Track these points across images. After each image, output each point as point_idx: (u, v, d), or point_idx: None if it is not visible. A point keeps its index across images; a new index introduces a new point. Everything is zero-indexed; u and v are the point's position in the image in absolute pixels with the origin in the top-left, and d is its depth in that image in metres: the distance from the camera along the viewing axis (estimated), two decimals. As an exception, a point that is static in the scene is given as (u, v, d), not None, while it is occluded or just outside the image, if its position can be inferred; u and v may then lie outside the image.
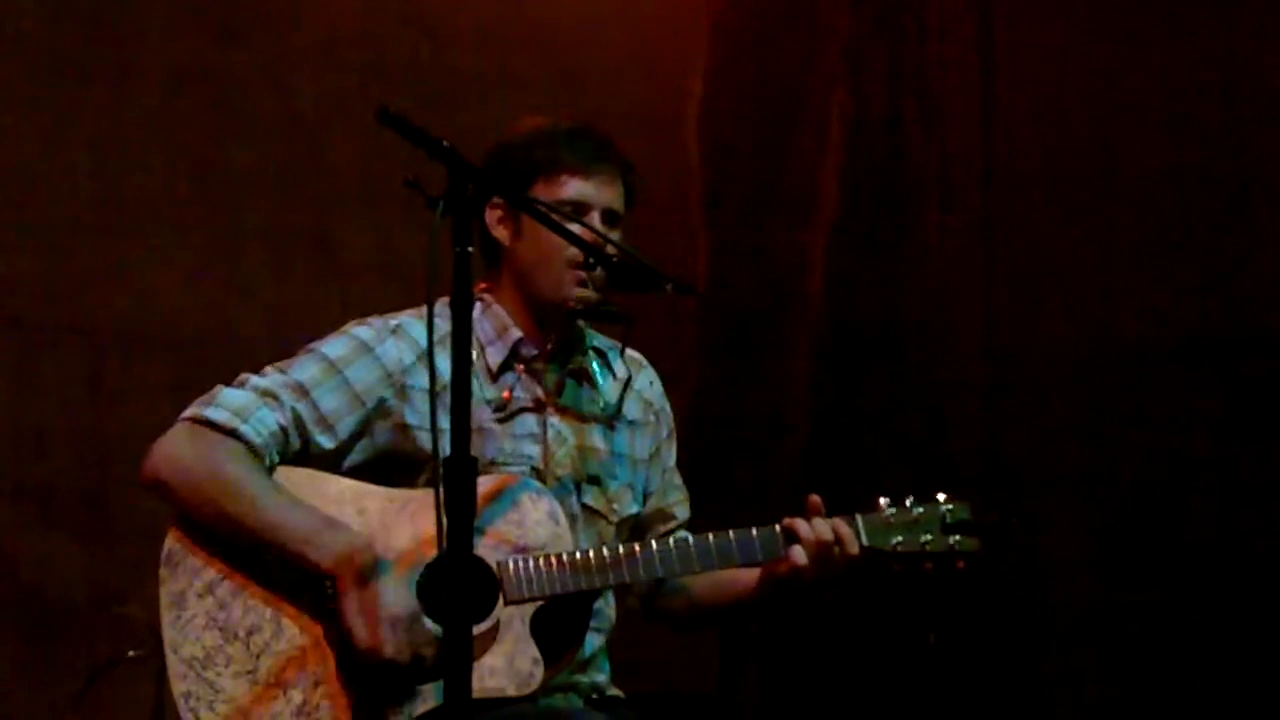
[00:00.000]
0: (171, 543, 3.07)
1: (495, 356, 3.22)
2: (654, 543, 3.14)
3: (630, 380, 3.35)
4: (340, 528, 3.03)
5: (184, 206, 5.03)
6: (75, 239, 4.92)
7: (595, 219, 3.19)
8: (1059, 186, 5.04)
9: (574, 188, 3.20)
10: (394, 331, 3.17)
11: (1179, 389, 4.82)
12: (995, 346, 5.15)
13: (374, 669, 2.97)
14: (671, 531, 3.38)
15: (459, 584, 2.54)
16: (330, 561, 2.98)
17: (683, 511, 3.45)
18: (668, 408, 3.45)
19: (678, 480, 3.46)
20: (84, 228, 4.93)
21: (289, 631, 3.03)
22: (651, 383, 3.43)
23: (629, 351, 3.38)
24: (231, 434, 3.05)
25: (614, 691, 3.27)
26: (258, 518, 3.02)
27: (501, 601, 3.02)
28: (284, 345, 3.23)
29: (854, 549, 3.14)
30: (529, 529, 3.07)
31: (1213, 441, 4.78)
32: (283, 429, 3.09)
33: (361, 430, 3.14)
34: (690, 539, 3.17)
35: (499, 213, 3.24)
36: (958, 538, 3.19)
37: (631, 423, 3.35)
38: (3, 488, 4.85)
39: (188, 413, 3.10)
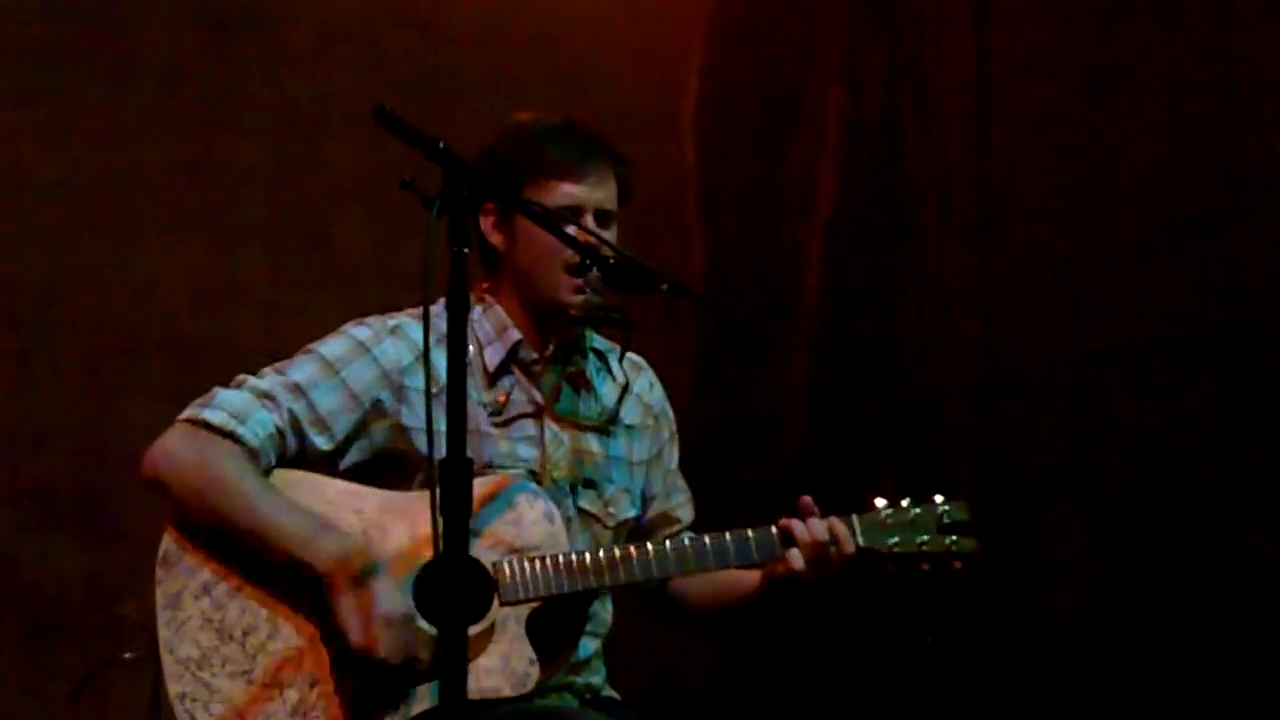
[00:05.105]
0: (168, 543, 3.07)
1: (493, 357, 3.21)
2: (649, 545, 3.14)
3: (628, 384, 3.35)
4: (335, 530, 3.02)
5: (182, 205, 5.03)
6: (73, 238, 4.93)
7: (588, 221, 3.17)
8: (1056, 185, 5.03)
9: (564, 192, 3.18)
10: (392, 332, 3.17)
11: (1177, 388, 4.81)
12: (992, 345, 5.14)
13: (369, 669, 2.97)
14: (675, 535, 3.38)
15: (455, 585, 2.54)
16: (325, 564, 2.97)
17: (687, 514, 3.45)
18: (669, 410, 3.45)
19: (681, 483, 3.46)
20: (82, 227, 4.94)
21: (285, 632, 3.03)
22: (651, 385, 3.42)
23: (629, 354, 3.36)
24: (229, 436, 3.05)
25: (609, 692, 3.28)
26: (254, 519, 3.01)
27: (497, 602, 3.02)
28: (282, 345, 3.23)
29: (850, 549, 3.14)
30: (525, 530, 3.07)
31: (1212, 441, 4.77)
32: (279, 431, 3.09)
33: (358, 431, 3.13)
34: (686, 540, 3.17)
35: (492, 218, 3.23)
36: (954, 538, 3.19)
37: (629, 427, 3.34)
38: (1, 487, 4.85)
39: (185, 414, 3.10)
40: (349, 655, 2.97)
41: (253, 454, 3.06)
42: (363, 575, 2.97)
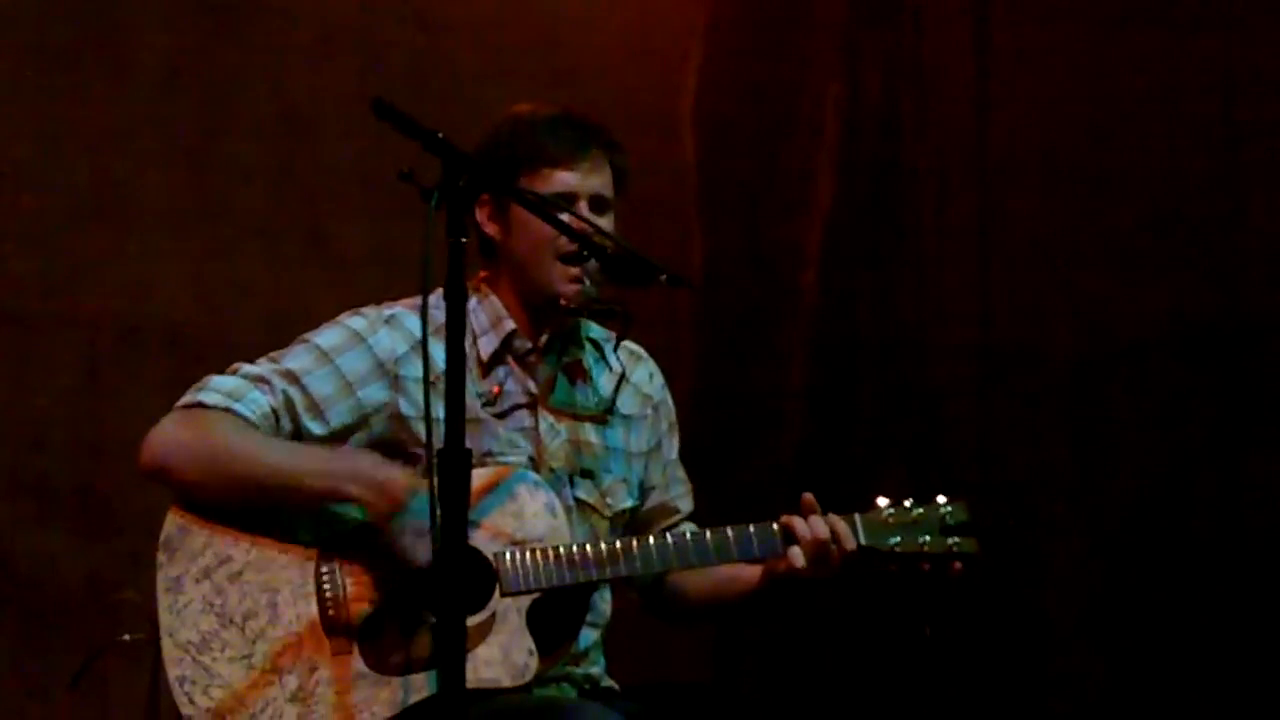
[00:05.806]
0: (170, 527, 3.07)
1: (487, 347, 3.21)
2: (651, 538, 3.14)
3: (625, 374, 3.35)
4: (364, 456, 3.04)
5: (180, 201, 5.02)
6: (71, 233, 4.91)
7: (583, 208, 3.17)
8: (1055, 182, 5.04)
9: (558, 179, 3.18)
10: (387, 322, 3.17)
11: (1176, 387, 4.82)
12: (991, 341, 5.14)
13: (422, 589, 2.96)
14: (675, 525, 3.39)
15: (454, 575, 2.53)
16: (368, 491, 2.98)
17: (686, 505, 3.45)
18: (669, 401, 3.44)
19: (680, 474, 3.46)
20: (80, 222, 4.93)
21: (285, 617, 3.02)
22: (651, 376, 3.42)
23: (627, 344, 3.36)
24: (225, 411, 3.06)
25: (608, 683, 3.28)
26: (275, 471, 3.02)
27: (498, 593, 3.02)
28: (281, 342, 3.23)
29: (851, 547, 3.13)
30: (527, 521, 3.07)
31: (1211, 439, 4.77)
32: (274, 410, 3.09)
33: (356, 422, 3.13)
34: (688, 534, 3.17)
35: (489, 208, 3.23)
36: (956, 539, 3.19)
37: (627, 417, 3.34)
38: (-1, 481, 4.86)
39: (180, 401, 3.11)
40: (406, 576, 2.96)
41: (250, 425, 3.06)
42: (407, 496, 2.97)
